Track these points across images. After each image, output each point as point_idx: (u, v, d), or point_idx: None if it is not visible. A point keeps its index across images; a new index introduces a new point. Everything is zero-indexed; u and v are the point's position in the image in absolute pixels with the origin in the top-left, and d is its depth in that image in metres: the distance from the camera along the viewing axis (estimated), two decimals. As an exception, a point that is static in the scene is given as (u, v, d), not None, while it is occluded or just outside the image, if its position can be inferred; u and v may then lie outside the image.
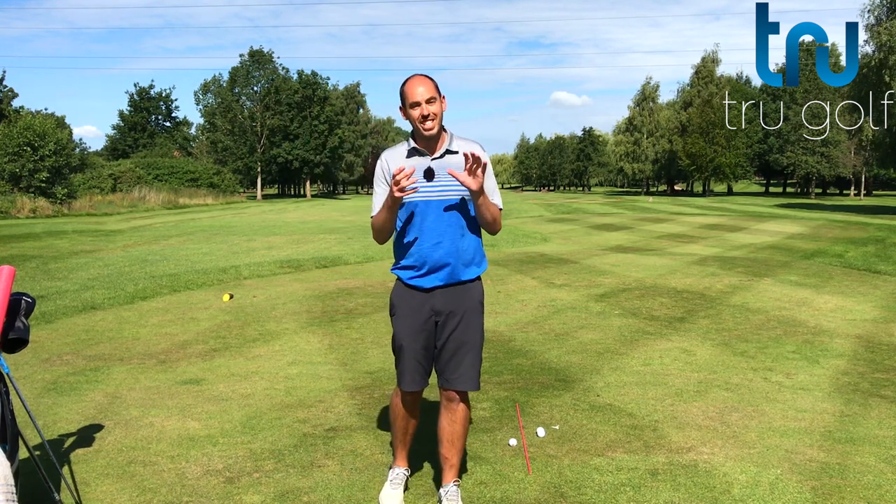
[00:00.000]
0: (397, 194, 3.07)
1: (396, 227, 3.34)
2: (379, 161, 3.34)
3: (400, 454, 3.58)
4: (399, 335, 3.33)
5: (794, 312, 8.15)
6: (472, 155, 3.06)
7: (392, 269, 3.41)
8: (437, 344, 3.32)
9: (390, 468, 3.59)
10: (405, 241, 3.30)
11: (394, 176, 3.03)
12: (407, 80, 3.22)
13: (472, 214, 3.29)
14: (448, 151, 3.24)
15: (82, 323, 7.86)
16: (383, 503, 3.43)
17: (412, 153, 3.25)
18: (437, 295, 3.28)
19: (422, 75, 3.22)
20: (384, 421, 4.55)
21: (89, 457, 4.02)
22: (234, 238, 20.32)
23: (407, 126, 3.31)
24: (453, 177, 3.14)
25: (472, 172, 3.09)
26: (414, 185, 3.10)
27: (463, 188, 3.21)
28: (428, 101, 3.15)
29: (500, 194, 3.39)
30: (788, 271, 11.83)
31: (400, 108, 3.27)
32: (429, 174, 3.21)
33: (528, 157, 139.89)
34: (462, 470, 3.70)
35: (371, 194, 3.45)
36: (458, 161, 3.22)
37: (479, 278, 3.39)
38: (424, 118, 3.15)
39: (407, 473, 3.57)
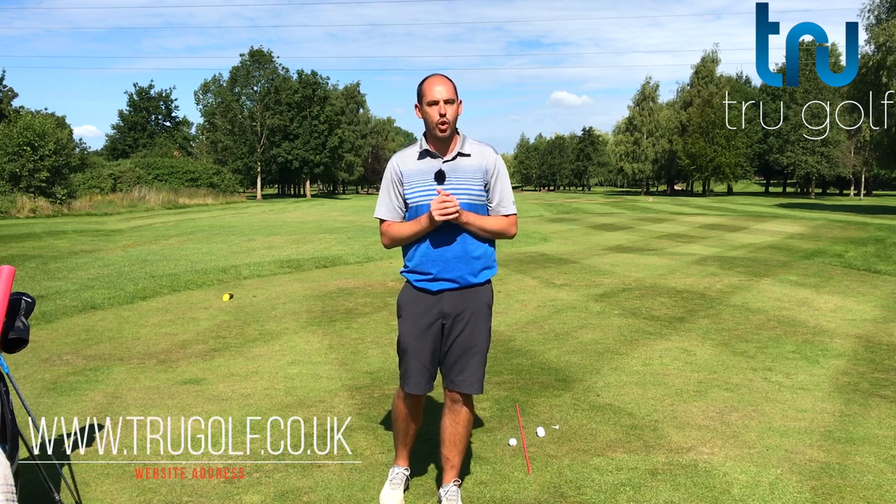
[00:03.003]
0: (438, 218, 3.06)
1: None
2: (390, 163, 3.32)
3: (400, 454, 3.57)
4: (405, 337, 3.30)
5: (794, 312, 8.15)
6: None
7: (401, 272, 3.39)
8: (443, 346, 3.31)
9: (391, 468, 3.59)
10: (415, 243, 3.27)
11: (441, 202, 3.04)
12: (427, 77, 3.20)
13: (476, 214, 3.25)
14: (460, 154, 3.22)
15: (82, 323, 7.86)
16: (383, 503, 3.43)
17: (423, 155, 3.24)
18: (445, 298, 3.26)
19: (442, 75, 3.20)
20: (384, 421, 4.56)
21: (89, 457, 4.02)
22: (234, 238, 20.32)
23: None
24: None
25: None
26: (456, 213, 3.08)
27: (474, 191, 3.21)
28: (446, 102, 3.13)
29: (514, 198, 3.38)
30: (788, 271, 11.83)
31: (415, 105, 3.24)
32: (440, 177, 3.19)
33: (528, 157, 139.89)
34: (463, 470, 3.70)
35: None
36: (470, 164, 3.21)
37: (488, 282, 3.36)
38: (441, 117, 3.12)
39: (407, 473, 3.56)
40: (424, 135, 3.27)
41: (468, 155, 3.23)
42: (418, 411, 3.46)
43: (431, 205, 3.07)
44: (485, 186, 3.25)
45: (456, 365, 3.28)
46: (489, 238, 3.30)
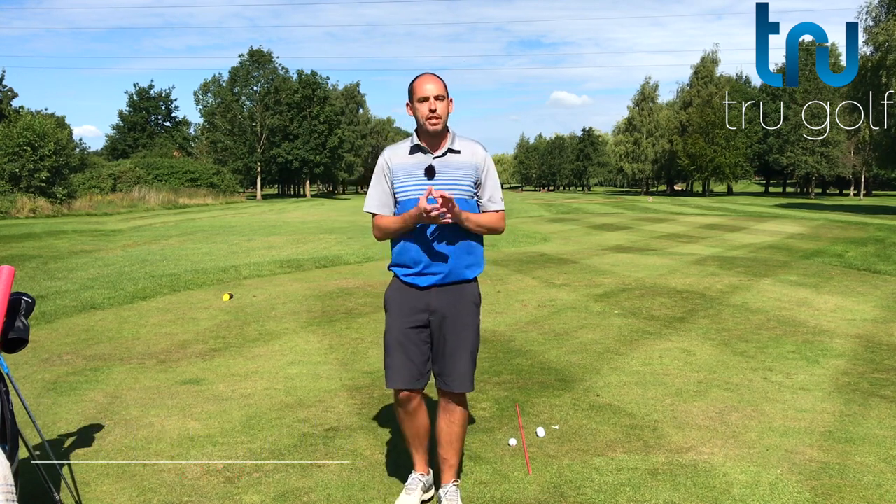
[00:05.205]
0: (425, 218, 3.08)
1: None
2: (380, 157, 3.35)
3: (415, 458, 3.52)
4: (390, 331, 3.33)
5: (794, 312, 8.14)
6: (444, 197, 3.04)
7: (389, 267, 3.41)
8: (433, 345, 3.32)
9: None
10: (403, 238, 3.29)
11: (425, 208, 3.02)
12: (417, 76, 3.26)
13: (473, 213, 3.28)
14: (450, 150, 3.26)
15: (82, 323, 7.86)
16: None
17: (415, 150, 3.27)
18: (432, 294, 3.28)
19: (433, 74, 3.25)
20: (384, 421, 4.56)
21: (89, 457, 4.03)
22: (234, 238, 20.32)
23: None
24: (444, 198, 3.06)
25: (448, 211, 3.08)
26: (444, 215, 3.08)
27: (464, 187, 3.24)
28: (437, 98, 3.18)
29: (502, 194, 3.41)
30: (788, 271, 11.82)
31: (406, 104, 3.29)
32: (430, 172, 3.22)
33: (528, 157, 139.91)
34: (462, 470, 3.70)
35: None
36: (460, 161, 3.25)
37: (475, 279, 3.38)
38: (432, 113, 3.17)
39: (423, 479, 3.48)
40: (416, 131, 3.30)
41: (458, 151, 3.27)
42: (418, 409, 3.40)
43: (420, 202, 3.06)
44: (475, 183, 3.29)
45: (446, 365, 3.29)
46: (483, 233, 3.34)
